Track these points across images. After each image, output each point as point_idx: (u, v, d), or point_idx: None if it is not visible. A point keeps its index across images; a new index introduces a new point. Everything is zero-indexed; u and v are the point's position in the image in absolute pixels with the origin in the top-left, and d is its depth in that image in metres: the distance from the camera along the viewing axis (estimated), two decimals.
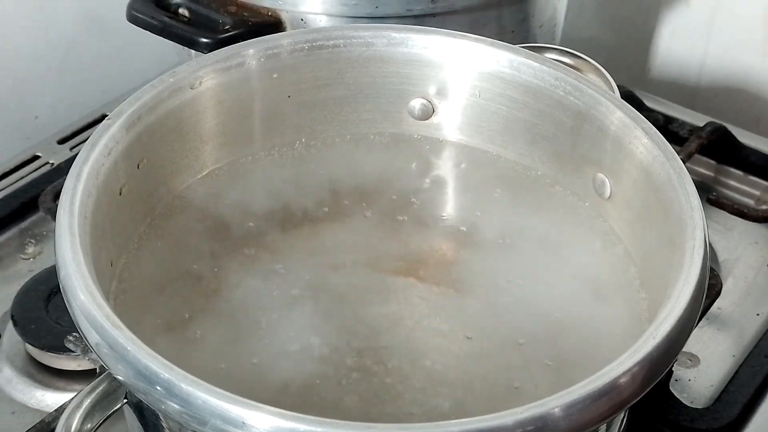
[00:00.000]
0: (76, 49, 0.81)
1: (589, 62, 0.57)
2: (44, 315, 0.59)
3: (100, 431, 0.49)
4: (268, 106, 0.54)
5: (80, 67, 0.81)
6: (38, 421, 0.53)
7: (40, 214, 0.67)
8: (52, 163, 0.73)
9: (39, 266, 0.64)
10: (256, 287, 0.50)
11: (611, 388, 0.38)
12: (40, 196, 0.67)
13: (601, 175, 0.52)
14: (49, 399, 0.57)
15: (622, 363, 0.38)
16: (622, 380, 0.38)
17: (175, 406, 0.37)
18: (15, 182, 0.71)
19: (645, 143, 0.48)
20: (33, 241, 0.67)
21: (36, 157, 0.73)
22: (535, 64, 0.53)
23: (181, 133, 0.51)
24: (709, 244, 0.67)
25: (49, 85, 0.80)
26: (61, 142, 0.75)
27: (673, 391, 0.56)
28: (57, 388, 0.57)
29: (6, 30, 0.76)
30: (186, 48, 0.64)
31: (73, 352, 0.55)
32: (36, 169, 0.72)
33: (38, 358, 0.58)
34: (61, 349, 0.56)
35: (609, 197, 0.52)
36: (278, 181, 0.54)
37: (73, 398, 0.40)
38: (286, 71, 0.54)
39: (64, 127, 0.76)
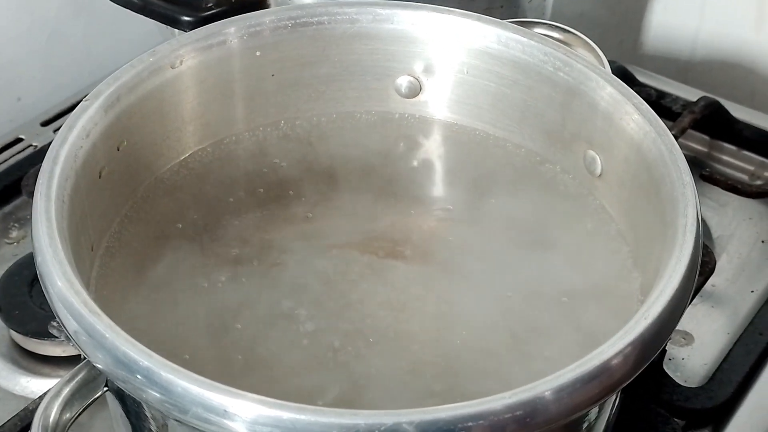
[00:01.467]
0: (61, 31, 0.79)
1: (579, 37, 0.56)
2: (28, 300, 0.58)
3: (83, 418, 0.48)
4: (251, 85, 0.53)
5: (65, 49, 0.80)
6: (22, 408, 0.52)
7: (24, 197, 0.66)
8: (35, 146, 0.72)
9: (23, 251, 0.63)
10: (241, 270, 0.49)
11: (603, 370, 0.37)
12: (23, 179, 0.66)
13: (591, 152, 0.51)
14: (34, 385, 0.56)
15: (613, 344, 0.38)
16: (614, 362, 0.37)
17: (156, 394, 0.36)
18: None
19: (636, 119, 0.47)
20: (17, 225, 0.66)
21: (19, 140, 0.72)
22: (524, 39, 0.52)
23: (162, 114, 0.50)
24: (703, 220, 0.66)
25: (33, 66, 0.79)
26: (45, 124, 0.74)
27: (666, 370, 0.56)
28: (42, 374, 0.57)
29: None
30: (169, 27, 0.63)
31: (57, 338, 0.55)
32: (19, 152, 0.71)
33: (22, 344, 0.58)
34: (45, 335, 0.55)
35: (600, 175, 0.51)
36: (262, 161, 0.54)
37: (51, 388, 0.39)
38: (269, 49, 0.53)
39: (47, 109, 0.75)
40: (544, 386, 0.36)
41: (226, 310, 0.47)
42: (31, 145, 0.72)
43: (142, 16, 0.63)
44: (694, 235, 0.41)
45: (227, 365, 0.45)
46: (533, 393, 0.36)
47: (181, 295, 0.48)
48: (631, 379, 0.38)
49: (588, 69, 0.50)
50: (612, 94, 0.49)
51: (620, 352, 0.37)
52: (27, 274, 0.59)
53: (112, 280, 0.46)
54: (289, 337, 0.46)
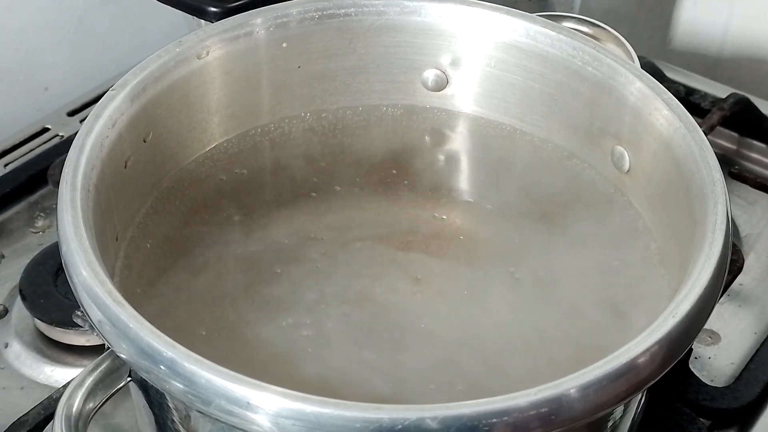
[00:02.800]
0: (88, 21, 0.79)
1: (609, 31, 0.55)
2: (53, 290, 0.58)
3: (106, 408, 0.48)
4: (277, 77, 0.53)
5: (92, 39, 0.80)
6: (46, 397, 0.52)
7: (50, 187, 0.66)
8: (62, 136, 0.72)
9: (48, 240, 0.64)
10: (265, 261, 0.49)
11: (629, 368, 0.37)
12: (49, 168, 0.66)
13: (619, 148, 0.50)
14: (58, 375, 0.56)
15: (640, 342, 0.37)
16: (641, 360, 0.37)
17: (179, 385, 0.36)
18: (24, 155, 0.70)
19: (665, 115, 0.47)
20: (42, 214, 0.66)
21: (45, 130, 0.72)
22: (552, 33, 0.51)
23: (188, 105, 0.50)
24: (731, 218, 0.66)
25: (60, 57, 0.79)
26: (71, 114, 0.74)
27: (692, 369, 0.55)
28: (66, 364, 0.57)
29: (17, 1, 0.75)
30: (195, 18, 0.63)
31: (81, 327, 0.55)
32: (45, 142, 0.71)
33: (47, 333, 0.58)
34: (69, 324, 0.55)
35: (628, 171, 0.50)
36: (287, 154, 0.53)
37: (75, 377, 0.39)
38: (296, 41, 0.52)
39: (74, 99, 0.75)
40: (569, 383, 0.36)
41: (249, 302, 0.47)
42: (57, 135, 0.72)
43: (168, 7, 0.63)
44: (723, 233, 0.41)
45: (250, 357, 0.45)
46: (559, 390, 0.35)
47: (205, 286, 0.47)
48: (658, 377, 0.38)
49: (617, 64, 0.50)
50: (641, 89, 0.48)
51: (647, 350, 0.37)
52: (52, 263, 0.59)
53: (136, 271, 0.46)
54: (311, 330, 0.46)
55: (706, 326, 0.57)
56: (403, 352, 0.45)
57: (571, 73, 0.51)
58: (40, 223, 0.66)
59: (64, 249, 0.40)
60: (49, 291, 0.58)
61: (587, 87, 0.51)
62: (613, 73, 0.50)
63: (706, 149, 0.45)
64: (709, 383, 0.55)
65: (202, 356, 0.36)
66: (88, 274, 0.38)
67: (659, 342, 0.37)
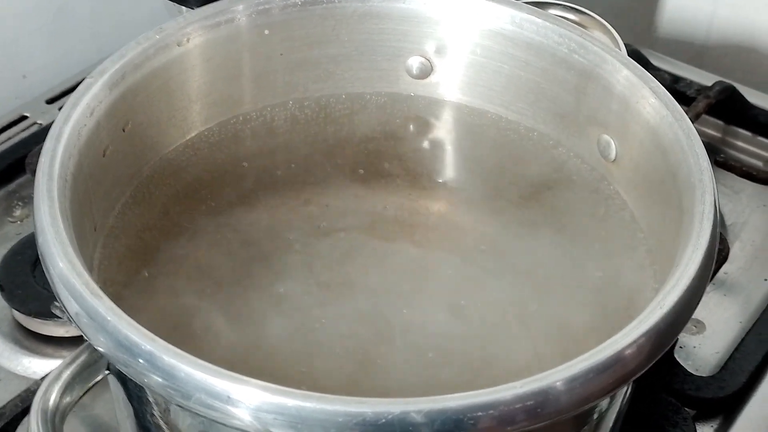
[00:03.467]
0: (68, 8, 0.79)
1: (595, 18, 0.55)
2: (31, 280, 0.57)
3: (85, 400, 0.48)
4: (259, 64, 0.53)
5: (72, 26, 0.79)
6: (24, 389, 0.51)
7: (28, 176, 0.65)
8: (41, 124, 0.71)
9: (26, 230, 0.63)
10: (247, 253, 0.48)
11: (616, 360, 0.36)
12: (27, 157, 0.65)
13: (606, 137, 0.50)
14: (36, 366, 0.56)
15: (627, 334, 0.37)
16: (628, 352, 0.36)
17: (158, 379, 0.35)
18: (2, 143, 0.69)
19: (652, 103, 0.46)
20: (20, 203, 0.65)
21: (24, 117, 0.72)
22: (538, 20, 0.51)
23: (168, 93, 0.49)
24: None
25: (39, 44, 0.78)
26: (50, 102, 0.73)
27: (678, 359, 0.55)
28: (44, 355, 0.56)
29: None
30: (176, 5, 0.62)
31: (59, 318, 0.54)
32: (23, 130, 0.71)
33: (25, 324, 0.57)
34: (48, 315, 0.55)
35: (614, 160, 0.50)
36: (270, 142, 0.53)
37: (51, 371, 0.38)
38: (278, 28, 0.52)
39: (52, 87, 0.74)
40: (555, 376, 0.35)
41: (231, 294, 0.46)
42: (35, 123, 0.71)
43: None
44: (711, 223, 0.41)
45: (231, 350, 0.44)
46: (544, 383, 0.35)
47: (185, 276, 0.47)
48: (645, 369, 0.37)
49: (604, 51, 0.49)
50: (628, 77, 0.48)
51: (634, 342, 0.36)
52: (30, 253, 0.58)
53: (115, 261, 0.46)
54: (295, 322, 0.46)
55: None
56: (388, 343, 0.45)
57: (558, 61, 0.51)
58: (18, 213, 0.65)
59: (40, 240, 0.39)
60: (27, 281, 0.57)
61: (573, 75, 0.51)
62: (600, 61, 0.49)
63: (694, 138, 0.44)
64: (694, 373, 0.55)
65: (183, 349, 0.35)
66: (65, 265, 0.38)
67: (646, 334, 0.37)
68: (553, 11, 0.54)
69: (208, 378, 0.34)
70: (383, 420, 0.33)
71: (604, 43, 0.50)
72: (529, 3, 0.53)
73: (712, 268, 0.40)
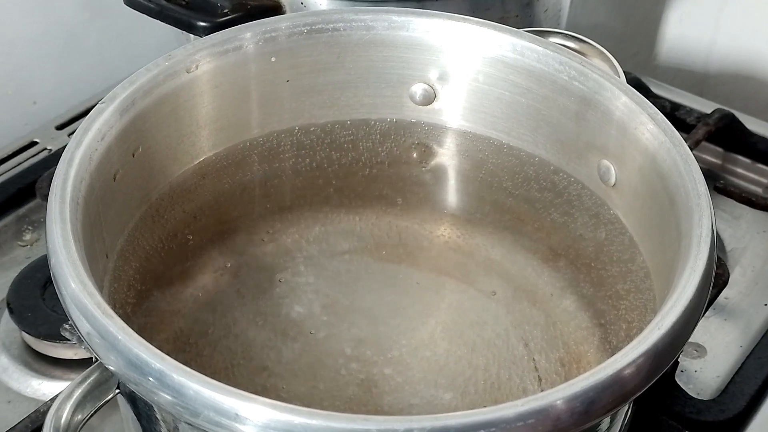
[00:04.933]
0: (77, 35, 0.80)
1: (594, 47, 0.56)
2: (41, 303, 0.58)
3: (94, 421, 0.48)
4: (266, 91, 0.53)
5: (81, 53, 0.80)
6: (33, 410, 0.52)
7: (38, 200, 0.66)
8: (50, 149, 0.72)
9: (36, 253, 0.64)
10: (253, 275, 0.49)
11: (615, 380, 0.37)
12: (37, 182, 0.66)
13: (606, 162, 0.51)
14: (45, 388, 0.56)
15: (626, 354, 0.37)
16: (627, 372, 0.37)
17: (167, 397, 0.36)
18: (12, 168, 0.70)
19: (651, 129, 0.47)
20: (30, 227, 0.66)
21: (34, 143, 0.73)
22: (539, 48, 0.52)
23: (177, 118, 0.50)
24: (717, 233, 0.66)
25: (49, 70, 0.79)
26: (60, 127, 0.74)
27: (679, 383, 0.56)
28: (53, 377, 0.57)
29: (6, 15, 0.75)
30: (185, 33, 0.63)
31: (69, 340, 0.54)
32: (34, 155, 0.72)
33: (34, 347, 0.58)
34: (57, 337, 0.55)
35: (614, 185, 0.51)
36: (276, 167, 0.54)
37: (63, 389, 0.39)
38: (285, 55, 0.53)
39: (62, 113, 0.75)
40: (556, 395, 0.36)
41: (238, 315, 0.47)
42: (45, 149, 0.72)
43: (158, 21, 0.63)
44: (708, 246, 0.41)
45: (236, 371, 0.45)
46: (545, 402, 0.36)
47: (194, 298, 0.48)
48: (644, 389, 0.38)
49: (603, 78, 0.50)
50: (627, 103, 0.49)
51: (633, 362, 0.37)
52: (40, 276, 0.59)
53: (125, 283, 0.46)
54: (300, 343, 0.46)
55: (692, 340, 0.58)
56: (391, 364, 0.45)
57: (558, 88, 0.51)
58: (28, 237, 0.66)
59: (53, 261, 0.40)
60: (36, 304, 0.58)
61: (573, 101, 0.51)
62: (599, 88, 0.50)
63: (691, 163, 0.45)
64: (695, 396, 0.55)
65: (192, 368, 0.36)
66: (77, 286, 0.38)
67: (645, 354, 0.37)
68: (553, 39, 0.55)
69: (216, 396, 0.35)
70: None
71: (604, 71, 0.51)
72: (530, 31, 0.54)
73: (710, 291, 0.41)
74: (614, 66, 0.55)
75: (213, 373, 0.44)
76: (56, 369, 0.57)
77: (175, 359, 0.36)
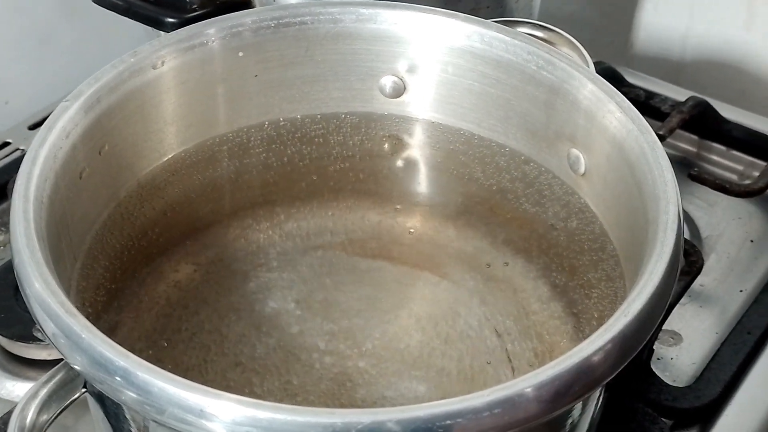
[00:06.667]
0: (52, 34, 0.79)
1: (563, 36, 0.56)
2: (14, 304, 0.58)
3: (68, 421, 0.48)
4: (234, 86, 0.53)
5: (54, 53, 0.80)
6: (6, 412, 0.52)
7: (10, 201, 0.66)
8: (23, 150, 0.71)
9: (9, 255, 0.63)
10: (224, 271, 0.49)
11: (583, 367, 0.37)
12: (9, 183, 0.66)
13: (575, 151, 0.51)
14: (20, 389, 0.56)
15: (593, 341, 0.37)
16: (594, 359, 0.37)
17: (133, 395, 0.35)
18: None
19: (618, 117, 0.47)
20: (3, 229, 0.66)
21: (6, 144, 0.72)
22: (507, 38, 0.52)
23: (144, 115, 0.50)
24: (691, 219, 0.66)
25: (22, 70, 0.78)
26: (33, 128, 0.73)
27: (654, 370, 0.56)
28: (27, 378, 0.56)
29: None
30: (155, 30, 0.63)
31: (42, 341, 0.54)
32: (6, 156, 0.71)
33: (8, 348, 0.57)
34: (30, 338, 0.55)
35: (584, 174, 0.51)
36: (246, 163, 0.53)
37: (29, 389, 0.39)
38: (252, 50, 0.52)
39: (35, 113, 0.75)
40: (523, 383, 0.36)
41: (211, 311, 0.47)
42: (18, 149, 0.72)
43: (131, 20, 0.63)
44: (675, 233, 0.41)
45: (209, 367, 0.45)
46: (513, 390, 0.35)
47: (164, 296, 0.47)
48: (613, 375, 0.38)
49: (571, 67, 0.50)
50: (594, 92, 0.49)
51: (600, 348, 0.37)
52: (12, 278, 0.57)
53: (93, 283, 0.46)
54: (274, 338, 0.46)
55: (667, 327, 0.58)
56: (365, 358, 0.45)
57: (526, 78, 0.51)
58: (1, 238, 0.65)
59: (16, 261, 0.39)
60: (9, 305, 0.57)
61: (542, 91, 0.51)
62: (567, 77, 0.50)
63: (658, 150, 0.45)
64: (671, 383, 0.55)
65: (166, 364, 0.36)
66: (40, 286, 0.38)
67: (612, 340, 0.37)
68: (521, 29, 0.55)
69: (181, 392, 0.35)
70: (353, 430, 0.34)
71: (572, 60, 0.51)
72: (498, 21, 0.53)
73: (677, 277, 0.41)
74: (583, 55, 0.55)
75: (186, 369, 0.44)
76: (30, 370, 0.57)
77: (148, 356, 0.36)
